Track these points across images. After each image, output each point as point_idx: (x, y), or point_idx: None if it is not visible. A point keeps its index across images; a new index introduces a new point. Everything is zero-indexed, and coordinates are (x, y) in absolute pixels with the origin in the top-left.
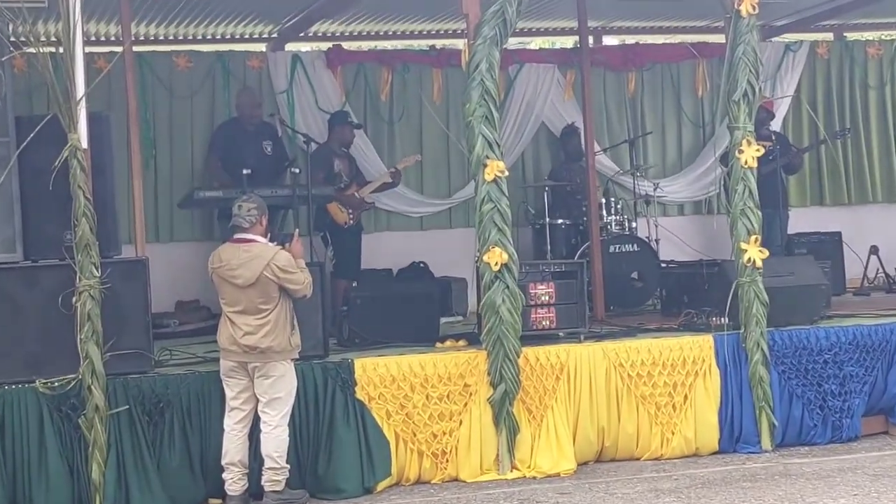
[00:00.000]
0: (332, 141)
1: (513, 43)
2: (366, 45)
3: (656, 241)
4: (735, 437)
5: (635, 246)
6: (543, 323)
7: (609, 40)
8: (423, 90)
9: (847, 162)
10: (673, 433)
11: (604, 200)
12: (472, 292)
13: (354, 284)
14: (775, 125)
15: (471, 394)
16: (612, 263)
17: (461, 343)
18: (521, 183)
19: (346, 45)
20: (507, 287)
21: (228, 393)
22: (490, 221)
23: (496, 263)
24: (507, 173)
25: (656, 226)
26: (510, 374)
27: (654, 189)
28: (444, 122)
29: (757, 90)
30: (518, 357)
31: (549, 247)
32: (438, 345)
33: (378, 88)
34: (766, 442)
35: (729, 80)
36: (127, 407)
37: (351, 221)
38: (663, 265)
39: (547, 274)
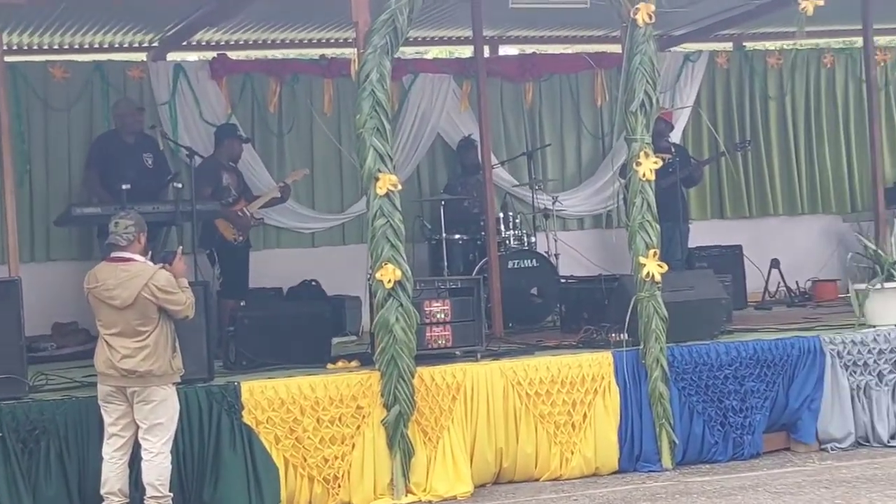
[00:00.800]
0: (219, 154)
1: (407, 52)
2: (253, 55)
3: (556, 256)
4: (635, 455)
5: (534, 261)
6: (439, 341)
7: (506, 50)
8: (313, 101)
9: (748, 174)
10: (572, 453)
11: (502, 215)
12: (367, 311)
13: (242, 304)
14: (675, 137)
15: (364, 416)
16: (510, 279)
17: (353, 364)
18: (416, 197)
19: (231, 54)
20: (401, 305)
21: (106, 419)
22: (383, 237)
23: (389, 280)
24: (399, 187)
25: (555, 240)
26: (404, 394)
27: (553, 203)
28: (335, 134)
29: (654, 101)
30: (413, 377)
31: (445, 263)
32: (330, 366)
33: (266, 99)
34: (666, 460)
35: (626, 90)
36: (0, 434)
37: (240, 238)
38: (563, 281)
39: (443, 291)
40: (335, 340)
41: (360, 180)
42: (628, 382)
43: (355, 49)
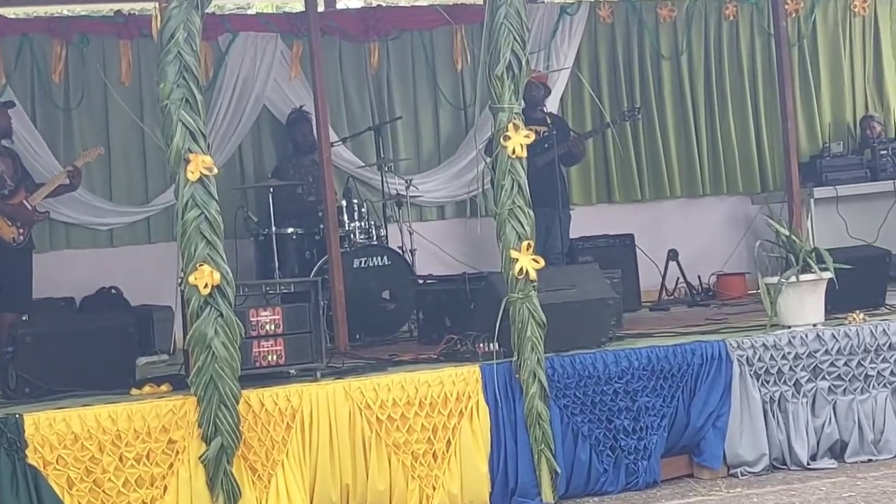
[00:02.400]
0: None
1: (225, 7)
2: (32, 11)
3: (411, 251)
4: (510, 488)
5: (385, 259)
6: (269, 358)
7: (345, 2)
8: (108, 68)
9: (639, 150)
10: (434, 488)
11: (344, 203)
12: (180, 323)
13: (25, 318)
14: (551, 106)
15: (177, 452)
16: (356, 281)
17: (164, 388)
18: (238, 183)
19: (4, 11)
20: (221, 315)
21: None
22: (196, 232)
23: (205, 285)
24: (216, 171)
25: (411, 233)
26: (227, 424)
27: (407, 188)
28: (135, 108)
29: (524, 62)
30: (237, 402)
31: (276, 263)
32: (135, 391)
33: (49, 66)
34: (546, 493)
35: (490, 50)
36: None
37: (20, 238)
38: (420, 281)
39: (273, 297)
40: (141, 360)
41: (168, 163)
42: (500, 401)
43: (156, 2)
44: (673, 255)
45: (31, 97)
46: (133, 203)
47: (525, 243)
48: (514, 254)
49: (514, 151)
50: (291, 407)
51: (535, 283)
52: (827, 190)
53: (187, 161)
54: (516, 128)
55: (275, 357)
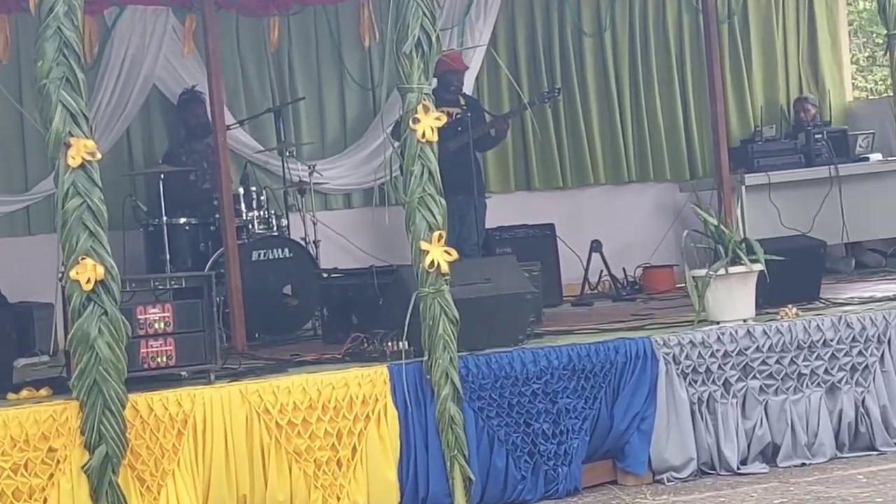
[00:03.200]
0: None
1: None
2: None
3: (315, 243)
4: (421, 498)
5: (287, 251)
6: (158, 359)
7: None
8: None
9: (560, 134)
10: (338, 498)
11: (242, 191)
12: (62, 322)
13: None
14: (466, 87)
15: (58, 461)
16: (255, 275)
17: (43, 392)
18: (126, 169)
19: None
20: (106, 312)
21: None
22: (78, 223)
23: (88, 280)
24: (99, 156)
25: (314, 223)
26: (113, 430)
27: (311, 174)
28: (13, 88)
29: (434, 39)
30: (123, 407)
31: (168, 255)
32: (11, 396)
33: None
34: (460, 502)
35: (397, 26)
36: None
37: None
38: (325, 275)
39: (163, 292)
40: (20, 362)
41: (47, 148)
42: (410, 404)
43: None
44: (596, 246)
45: None
46: (11, 191)
47: (436, 234)
48: (424, 245)
49: (423, 135)
50: (183, 412)
51: (448, 277)
52: (759, 176)
53: (68, 146)
54: (426, 110)
55: (165, 358)
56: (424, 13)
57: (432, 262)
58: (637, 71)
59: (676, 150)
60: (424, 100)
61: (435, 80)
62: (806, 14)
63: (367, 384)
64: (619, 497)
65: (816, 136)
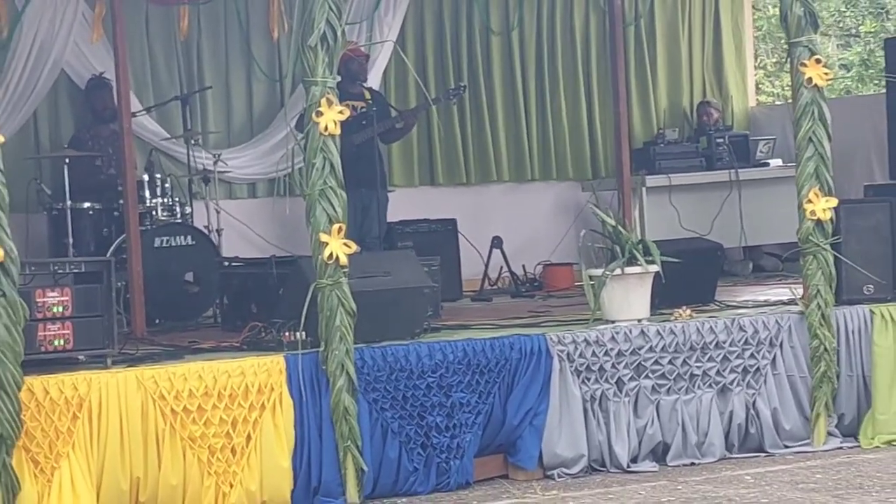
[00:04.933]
0: None
1: None
2: None
3: (218, 231)
4: (313, 487)
5: (190, 238)
6: (56, 342)
7: None
8: None
9: (465, 130)
10: (231, 485)
11: (146, 177)
12: None
13: None
14: (373, 81)
15: None
16: (157, 262)
17: None
18: (32, 152)
19: None
20: (4, 294)
21: None
22: None
23: None
24: (3, 139)
25: (218, 212)
26: (7, 413)
27: (216, 163)
28: None
29: (339, 33)
30: (19, 389)
31: (70, 240)
32: None
33: None
34: (352, 493)
35: (304, 19)
36: None
37: None
38: (226, 263)
39: (62, 276)
40: None
41: None
42: (305, 394)
43: None
44: (497, 242)
45: None
46: None
47: (336, 226)
48: (324, 237)
49: (326, 128)
50: (79, 396)
51: (346, 269)
52: (660, 178)
53: None
54: (329, 103)
55: (62, 342)
56: (330, 7)
57: (331, 254)
58: (543, 70)
59: (580, 150)
60: (328, 93)
61: (340, 75)
62: (712, 19)
63: (263, 373)
64: (509, 491)
65: (718, 140)
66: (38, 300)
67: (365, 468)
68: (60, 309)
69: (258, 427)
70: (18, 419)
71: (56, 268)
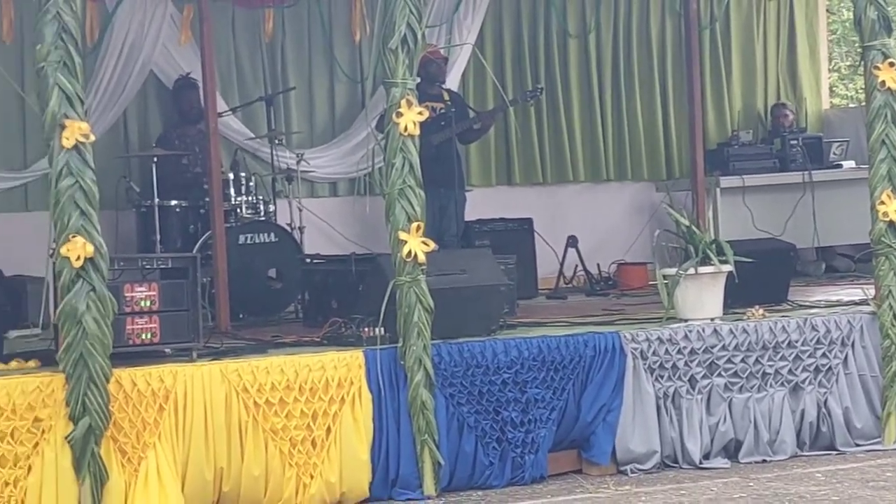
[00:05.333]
0: None
1: None
2: None
3: (300, 229)
4: (391, 479)
5: (273, 236)
6: (143, 336)
7: None
8: None
9: (542, 131)
10: (312, 476)
11: (231, 176)
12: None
13: None
14: (452, 82)
15: (43, 431)
16: (241, 258)
17: (32, 363)
18: (122, 151)
19: None
20: (94, 289)
21: None
22: (70, 202)
23: (78, 257)
24: (92, 137)
25: (300, 210)
26: (96, 403)
27: (298, 162)
28: (16, 67)
29: (419, 36)
30: (108, 381)
31: (158, 236)
32: (1, 366)
33: None
34: (429, 486)
35: (385, 22)
36: None
37: None
38: (308, 260)
39: (150, 272)
40: (13, 334)
41: (43, 129)
42: (383, 388)
43: None
44: (572, 241)
45: None
46: (10, 168)
47: (414, 225)
48: (402, 235)
49: (405, 129)
50: (165, 388)
51: (424, 267)
52: (734, 179)
53: (63, 127)
54: (409, 104)
55: (149, 335)
56: (411, 10)
57: (410, 251)
58: (619, 73)
59: (654, 151)
60: (408, 94)
61: (419, 76)
62: (786, 23)
63: (343, 367)
64: (582, 486)
65: (792, 142)
66: (126, 295)
67: (441, 461)
68: (148, 303)
69: (338, 420)
70: (107, 410)
71: (144, 263)
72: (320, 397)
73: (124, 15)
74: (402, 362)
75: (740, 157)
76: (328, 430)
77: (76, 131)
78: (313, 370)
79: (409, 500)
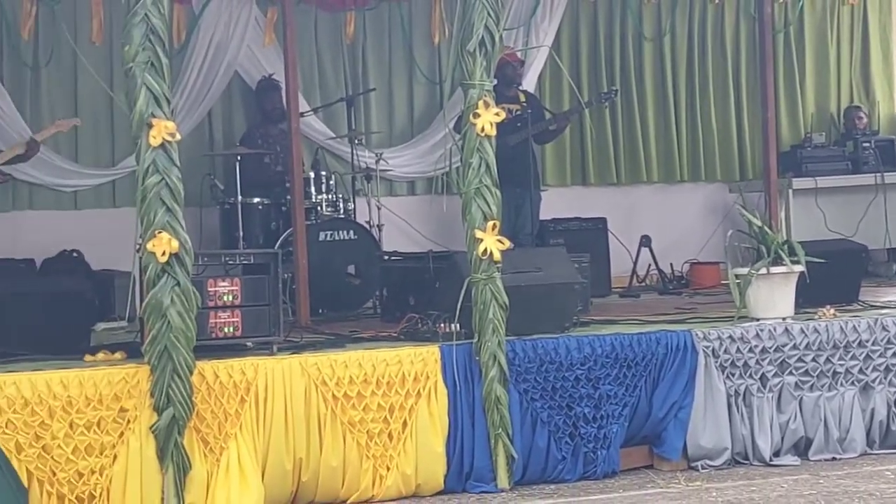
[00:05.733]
0: None
1: None
2: None
3: (379, 226)
4: (465, 472)
5: (352, 233)
6: (225, 329)
7: None
8: (80, 26)
9: (617, 132)
10: (388, 468)
11: (312, 174)
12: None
13: None
14: (528, 84)
15: (129, 421)
16: (322, 255)
17: (118, 355)
18: (207, 149)
19: None
20: (178, 283)
21: None
22: (156, 198)
23: (163, 253)
24: (178, 136)
25: (379, 208)
26: (180, 395)
27: (378, 161)
28: (106, 67)
29: (497, 39)
30: (191, 373)
31: (241, 232)
32: (88, 358)
33: (18, 22)
34: (502, 479)
35: (463, 25)
36: None
37: None
38: (386, 257)
39: (232, 267)
40: (100, 326)
41: (131, 127)
42: (459, 383)
43: None
44: (646, 241)
45: None
46: (99, 165)
47: (490, 223)
48: (478, 234)
49: (482, 129)
50: (246, 380)
51: (500, 265)
52: (807, 181)
53: (150, 126)
54: (486, 105)
55: (231, 329)
56: (489, 13)
57: (485, 249)
58: (693, 75)
59: (728, 152)
60: (485, 96)
61: (496, 78)
62: (860, 27)
63: (419, 362)
64: (654, 481)
65: (864, 144)
66: (209, 289)
67: (515, 455)
68: (230, 298)
69: (414, 413)
70: (190, 401)
71: (227, 259)
72: (397, 391)
73: (210, 17)
74: (477, 358)
75: (813, 159)
76: (404, 423)
77: (163, 130)
78: (390, 365)
79: (482, 492)
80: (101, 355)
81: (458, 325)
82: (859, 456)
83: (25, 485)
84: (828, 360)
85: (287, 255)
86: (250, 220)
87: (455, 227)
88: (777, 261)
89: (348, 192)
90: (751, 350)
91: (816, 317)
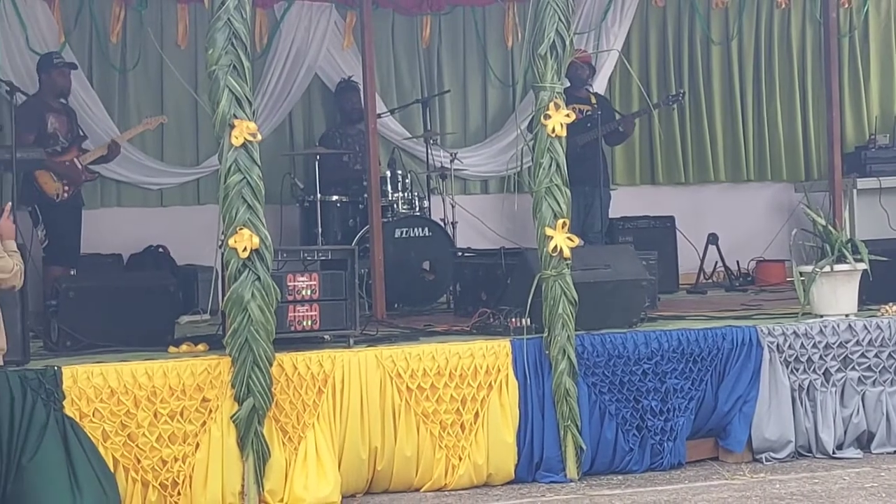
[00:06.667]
0: (44, 92)
1: None
2: None
3: (453, 224)
4: (535, 463)
5: (427, 230)
6: (304, 323)
7: None
8: (166, 30)
9: (685, 133)
10: (460, 458)
11: (388, 173)
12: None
13: (73, 273)
14: (598, 86)
15: (210, 410)
16: (397, 251)
17: (200, 347)
18: (286, 149)
19: None
20: (259, 278)
21: None
22: (238, 196)
23: (244, 248)
24: (259, 137)
25: (453, 206)
26: (260, 385)
27: (452, 161)
28: (191, 70)
29: (568, 42)
30: (270, 365)
31: (319, 229)
32: (172, 349)
33: (107, 27)
34: (571, 469)
35: (534, 29)
36: None
37: (65, 194)
38: (459, 254)
39: (311, 263)
40: (184, 319)
41: (214, 128)
42: (529, 376)
43: None
44: (713, 239)
45: (88, 57)
46: (184, 164)
47: (560, 221)
48: (549, 231)
49: (553, 130)
50: (324, 372)
51: (569, 262)
52: (871, 181)
53: (232, 126)
54: (557, 107)
55: (309, 322)
56: (560, 17)
57: (556, 246)
58: (760, 78)
59: (794, 153)
60: (556, 98)
61: (567, 80)
62: None
63: (490, 356)
64: (719, 473)
65: None
66: (289, 284)
67: (584, 447)
68: (309, 292)
69: (486, 405)
70: (270, 392)
71: (306, 255)
72: (469, 383)
73: (291, 22)
74: (547, 352)
75: (877, 159)
76: (476, 414)
77: (245, 130)
78: (463, 358)
79: (552, 482)
80: (184, 347)
81: (528, 320)
82: None
83: (112, 471)
84: (890, 355)
85: (364, 251)
86: (329, 218)
87: (526, 224)
88: (841, 259)
89: (423, 191)
90: (815, 346)
91: (879, 314)
